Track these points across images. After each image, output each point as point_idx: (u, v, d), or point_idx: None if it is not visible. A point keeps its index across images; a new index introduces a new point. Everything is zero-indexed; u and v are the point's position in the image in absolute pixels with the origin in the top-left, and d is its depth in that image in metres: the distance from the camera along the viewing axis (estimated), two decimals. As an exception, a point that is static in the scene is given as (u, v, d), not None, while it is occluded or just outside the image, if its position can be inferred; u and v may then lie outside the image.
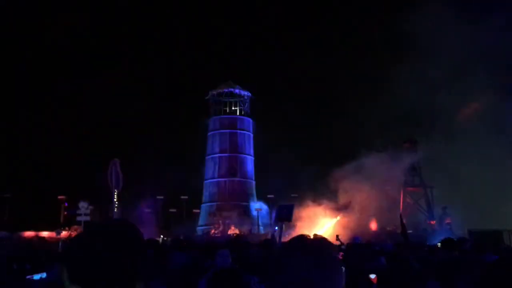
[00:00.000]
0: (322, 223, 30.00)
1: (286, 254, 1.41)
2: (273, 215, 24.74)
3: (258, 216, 29.19)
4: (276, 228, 25.83)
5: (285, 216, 21.39)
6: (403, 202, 30.14)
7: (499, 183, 26.82)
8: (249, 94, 37.03)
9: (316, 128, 37.37)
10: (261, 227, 29.77)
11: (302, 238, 1.48)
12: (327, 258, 1.39)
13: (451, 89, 28.53)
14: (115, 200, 31.40)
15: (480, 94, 27.55)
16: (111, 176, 24.10)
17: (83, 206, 27.53)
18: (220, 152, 35.47)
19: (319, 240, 1.46)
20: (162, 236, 26.61)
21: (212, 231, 30.31)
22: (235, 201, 33.61)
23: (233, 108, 36.93)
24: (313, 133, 36.15)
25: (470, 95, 28.01)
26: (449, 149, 27.23)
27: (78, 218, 27.34)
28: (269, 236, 24.05)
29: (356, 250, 6.64)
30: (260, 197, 33.34)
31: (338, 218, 29.40)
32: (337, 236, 15.59)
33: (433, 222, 29.02)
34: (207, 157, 36.08)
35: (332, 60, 41.22)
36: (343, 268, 1.41)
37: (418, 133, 29.97)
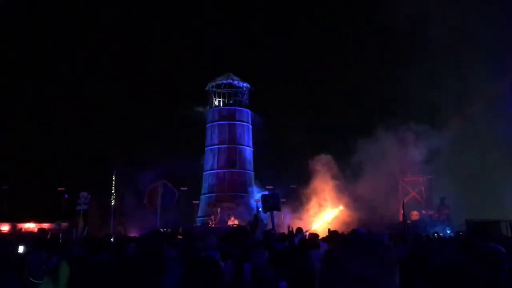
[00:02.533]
0: (321, 215, 30.21)
1: (343, 251, 1.39)
2: (260, 204, 25.06)
3: (257, 207, 29.23)
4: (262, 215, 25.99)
5: (272, 205, 21.53)
6: (400, 192, 30.23)
7: (499, 173, 26.89)
8: (248, 85, 37.02)
9: (315, 120, 37.28)
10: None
11: (360, 235, 1.46)
12: (385, 257, 1.37)
13: (452, 77, 28.34)
14: (113, 192, 31.52)
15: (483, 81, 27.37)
16: (160, 197, 24.75)
17: (83, 195, 27.70)
18: (219, 143, 35.53)
19: (378, 239, 1.43)
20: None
21: (210, 222, 30.40)
22: (234, 192, 33.76)
23: (232, 100, 36.94)
24: (312, 125, 36.09)
25: (472, 82, 27.83)
26: (449, 138, 27.26)
27: (78, 208, 27.45)
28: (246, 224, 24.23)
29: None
30: (259, 188, 33.46)
31: (340, 207, 29.57)
32: (328, 230, 15.59)
33: (431, 213, 29.13)
34: (206, 149, 36.16)
35: (334, 52, 41.06)
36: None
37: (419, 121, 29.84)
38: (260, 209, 22.09)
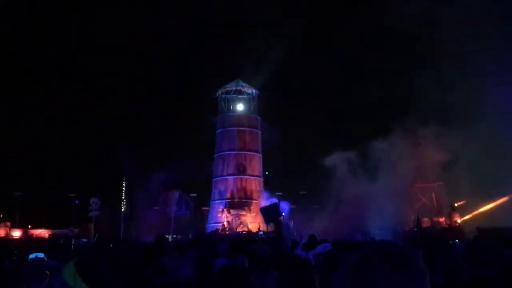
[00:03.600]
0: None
1: (372, 262, 1.39)
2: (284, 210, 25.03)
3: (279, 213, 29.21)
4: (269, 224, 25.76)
5: (272, 216, 21.36)
6: (411, 199, 30.04)
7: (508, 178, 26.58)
8: (257, 92, 37.09)
9: (324, 125, 37.27)
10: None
11: (389, 245, 1.45)
12: (415, 267, 1.38)
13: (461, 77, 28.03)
14: (123, 198, 31.68)
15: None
16: (175, 206, 25.45)
17: (94, 201, 27.93)
18: (229, 150, 35.58)
19: (407, 249, 1.43)
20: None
21: (221, 229, 30.46)
22: (244, 199, 33.75)
23: (241, 106, 37.03)
24: (321, 131, 36.09)
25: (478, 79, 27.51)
26: (460, 144, 27.03)
27: (90, 214, 27.72)
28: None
29: (356, 247, 6.67)
30: (269, 195, 33.44)
31: None
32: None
33: (442, 219, 28.94)
34: (215, 155, 36.22)
35: (341, 56, 41.07)
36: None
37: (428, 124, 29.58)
38: (283, 214, 21.87)
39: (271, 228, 25.96)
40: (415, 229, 14.27)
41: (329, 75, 41.64)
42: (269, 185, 34.77)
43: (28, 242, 22.66)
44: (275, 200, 28.11)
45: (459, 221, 28.10)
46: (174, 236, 27.27)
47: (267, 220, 23.75)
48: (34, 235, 28.09)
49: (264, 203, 31.57)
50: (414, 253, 1.42)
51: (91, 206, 28.13)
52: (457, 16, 27.80)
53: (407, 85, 29.88)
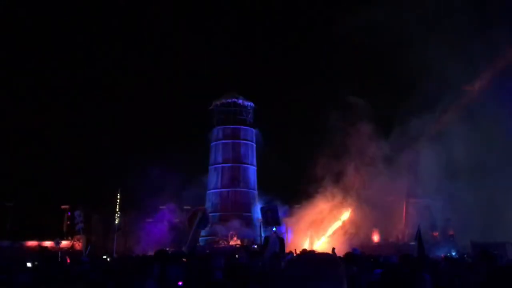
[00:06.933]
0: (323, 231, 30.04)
1: (295, 268, 1.61)
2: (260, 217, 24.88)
3: (260, 226, 29.11)
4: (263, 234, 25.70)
5: (271, 220, 21.26)
6: (406, 213, 30.03)
7: (503, 194, 26.61)
8: (252, 104, 37.19)
9: (317, 138, 37.26)
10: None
11: (310, 254, 1.74)
12: (332, 272, 1.59)
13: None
14: (117, 210, 31.45)
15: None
16: (197, 221, 26.46)
17: (77, 214, 27.92)
18: (223, 162, 35.53)
19: (326, 256, 1.68)
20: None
21: (215, 241, 30.28)
22: (237, 211, 33.60)
23: (236, 118, 37.04)
24: (315, 143, 36.08)
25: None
26: (452, 158, 27.10)
27: (77, 227, 27.62)
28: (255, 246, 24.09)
29: (354, 261, 6.65)
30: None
31: (343, 217, 29.38)
32: (333, 249, 15.67)
33: (435, 234, 28.90)
34: (210, 167, 36.14)
35: (334, 67, 41.21)
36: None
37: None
38: (274, 229, 21.81)
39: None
40: (414, 243, 14.24)
41: (320, 87, 41.73)
42: (264, 198, 34.62)
43: (17, 253, 22.45)
44: (274, 204, 27.99)
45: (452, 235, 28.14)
46: (166, 248, 27.03)
47: (266, 223, 23.49)
48: (24, 246, 27.79)
49: (258, 214, 31.47)
50: (337, 262, 1.65)
51: (76, 219, 28.02)
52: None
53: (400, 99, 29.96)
